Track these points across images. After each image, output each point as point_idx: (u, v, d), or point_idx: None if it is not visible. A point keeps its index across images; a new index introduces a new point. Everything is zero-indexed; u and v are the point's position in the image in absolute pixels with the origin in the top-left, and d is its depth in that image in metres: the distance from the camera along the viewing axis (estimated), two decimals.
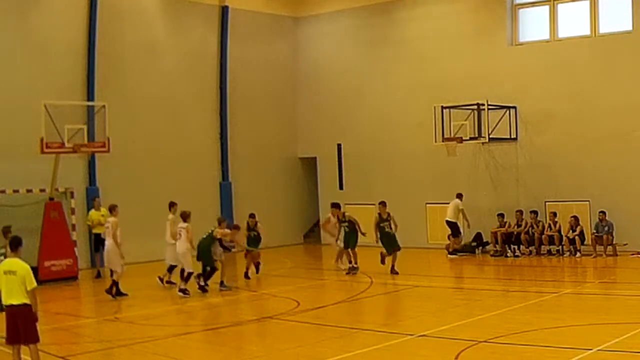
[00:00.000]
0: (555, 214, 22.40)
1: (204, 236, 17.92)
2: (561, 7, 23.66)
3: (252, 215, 20.70)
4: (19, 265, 9.72)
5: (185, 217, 17.65)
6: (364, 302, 16.42)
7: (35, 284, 9.69)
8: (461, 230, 23.36)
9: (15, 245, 9.89)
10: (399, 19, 26.55)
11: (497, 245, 23.03)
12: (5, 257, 16.96)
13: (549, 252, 22.29)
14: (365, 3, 27.21)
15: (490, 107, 22.51)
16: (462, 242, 24.06)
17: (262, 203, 26.73)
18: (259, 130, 27.80)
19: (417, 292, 17.43)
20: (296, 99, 29.19)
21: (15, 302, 9.63)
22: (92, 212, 21.40)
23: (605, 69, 22.34)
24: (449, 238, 23.43)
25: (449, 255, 23.11)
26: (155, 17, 25.34)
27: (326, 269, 23.71)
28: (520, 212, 22.98)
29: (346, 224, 20.25)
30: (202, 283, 17.53)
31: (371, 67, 27.11)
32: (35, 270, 19.57)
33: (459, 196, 23.39)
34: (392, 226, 19.83)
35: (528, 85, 23.45)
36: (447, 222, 23.30)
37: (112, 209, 17.64)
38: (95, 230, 21.05)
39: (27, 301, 9.64)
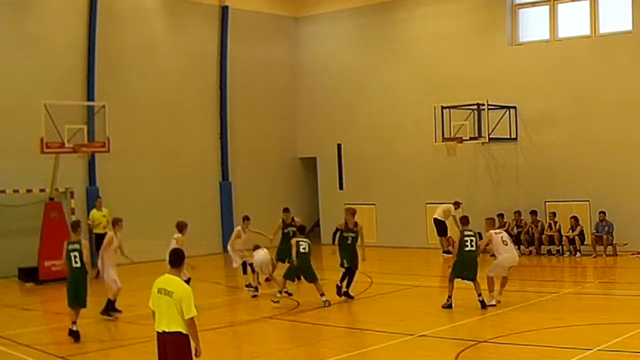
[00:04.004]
0: (554, 214, 22.40)
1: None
2: (561, 7, 23.67)
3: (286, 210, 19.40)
4: (178, 286, 7.93)
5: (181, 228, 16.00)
6: (364, 302, 16.41)
7: (195, 312, 7.84)
8: (448, 230, 23.49)
9: (177, 260, 8.13)
10: (399, 19, 26.55)
11: None
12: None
13: (549, 252, 22.31)
14: (365, 3, 27.21)
15: (490, 107, 22.52)
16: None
17: (262, 203, 26.71)
18: (259, 130, 27.80)
19: (417, 292, 17.42)
20: (296, 99, 29.19)
21: (166, 329, 7.91)
22: (94, 211, 21.41)
23: (605, 69, 22.34)
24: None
25: (443, 254, 23.30)
26: (155, 17, 25.35)
27: (326, 269, 23.71)
28: (519, 212, 22.99)
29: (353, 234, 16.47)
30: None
31: (371, 67, 27.11)
32: (35, 270, 19.94)
33: (457, 204, 23.36)
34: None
35: (528, 85, 23.45)
36: (435, 220, 23.40)
37: (115, 223, 15.32)
38: (96, 230, 21.06)
39: (182, 329, 7.87)
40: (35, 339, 13.23)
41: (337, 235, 16.43)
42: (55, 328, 14.64)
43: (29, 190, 21.00)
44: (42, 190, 20.92)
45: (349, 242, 16.24)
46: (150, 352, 11.82)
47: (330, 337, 12.87)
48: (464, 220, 15.21)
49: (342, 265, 16.25)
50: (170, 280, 7.96)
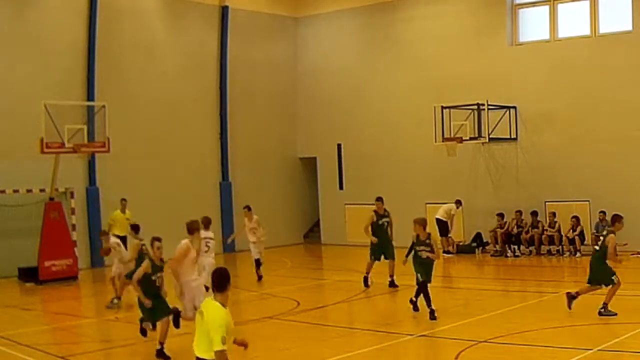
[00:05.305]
0: (554, 214, 22.40)
1: None
2: (561, 7, 23.67)
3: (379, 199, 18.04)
4: (211, 311, 7.03)
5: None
6: (364, 302, 16.42)
7: (220, 346, 6.81)
8: (450, 231, 23.50)
9: (221, 283, 7.08)
10: (399, 19, 26.56)
11: (497, 245, 23.04)
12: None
13: (549, 252, 22.29)
14: (365, 3, 27.21)
15: (490, 107, 22.52)
16: (461, 243, 24.15)
17: (262, 203, 26.68)
18: (259, 130, 27.81)
19: None
20: (296, 99, 29.19)
21: (197, 354, 7.08)
22: (117, 212, 21.26)
23: (605, 69, 22.34)
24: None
25: (443, 254, 23.31)
26: (155, 17, 25.36)
27: (326, 269, 23.72)
28: (520, 212, 22.99)
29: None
30: None
31: (371, 67, 27.11)
32: (35, 270, 19.94)
33: (458, 202, 23.48)
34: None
35: (528, 85, 23.46)
36: (437, 220, 23.41)
37: (193, 229, 13.32)
38: (112, 232, 20.94)
39: (207, 357, 6.97)
40: (35, 339, 13.23)
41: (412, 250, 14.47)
42: (55, 328, 14.65)
43: (29, 190, 21.01)
44: (42, 190, 20.93)
45: (424, 255, 14.23)
46: (151, 353, 11.83)
47: (330, 337, 12.86)
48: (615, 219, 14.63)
49: (418, 281, 14.14)
50: (208, 304, 7.17)
